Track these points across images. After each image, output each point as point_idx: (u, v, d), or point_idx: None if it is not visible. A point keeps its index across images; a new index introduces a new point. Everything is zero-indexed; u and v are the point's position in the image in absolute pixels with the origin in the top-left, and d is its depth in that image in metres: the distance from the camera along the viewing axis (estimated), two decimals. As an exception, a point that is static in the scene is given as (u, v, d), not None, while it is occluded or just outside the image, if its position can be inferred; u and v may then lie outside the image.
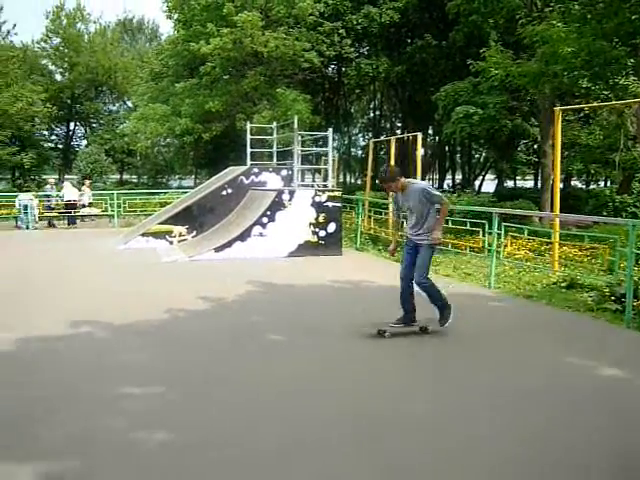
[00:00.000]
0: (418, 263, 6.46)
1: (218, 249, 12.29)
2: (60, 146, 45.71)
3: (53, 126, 43.82)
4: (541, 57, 16.84)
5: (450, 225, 12.09)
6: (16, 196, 21.10)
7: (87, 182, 24.26)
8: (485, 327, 7.12)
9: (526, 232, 10.77)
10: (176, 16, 30.61)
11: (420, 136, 14.67)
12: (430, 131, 36.97)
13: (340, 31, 28.26)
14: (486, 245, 10.80)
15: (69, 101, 43.23)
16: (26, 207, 20.06)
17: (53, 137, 45.81)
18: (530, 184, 42.52)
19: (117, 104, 47.48)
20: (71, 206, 21.14)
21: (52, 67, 43.83)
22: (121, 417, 4.40)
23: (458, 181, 42.21)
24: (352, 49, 29.66)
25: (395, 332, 6.49)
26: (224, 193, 14.67)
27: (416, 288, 6.51)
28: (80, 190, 22.61)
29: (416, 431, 4.21)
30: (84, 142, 45.48)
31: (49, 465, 3.68)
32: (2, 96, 26.82)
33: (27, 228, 19.90)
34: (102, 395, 4.84)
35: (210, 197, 14.74)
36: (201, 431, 4.19)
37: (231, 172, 15.59)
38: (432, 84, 28.33)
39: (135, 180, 46.10)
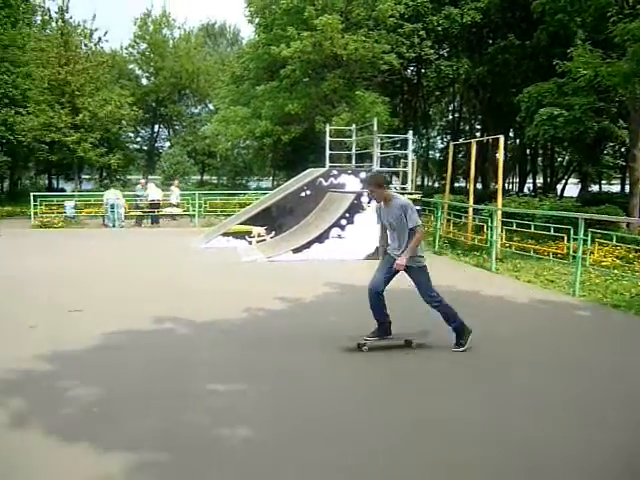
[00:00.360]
0: (418, 286, 6.11)
1: (296, 250, 12.42)
2: (145, 147, 47.36)
3: (139, 128, 45.43)
4: (632, 56, 16.15)
5: (532, 230, 11.77)
6: (103, 194, 21.99)
7: (176, 182, 25.03)
8: (573, 336, 6.90)
9: (614, 238, 10.35)
10: (257, 20, 31.19)
11: (502, 139, 14.33)
12: (511, 133, 36.10)
13: (420, 32, 28.02)
14: (571, 251, 10.43)
15: (154, 104, 44.69)
16: (113, 206, 20.89)
17: (138, 139, 47.56)
18: (616, 188, 40.84)
19: (199, 107, 48.77)
20: (155, 206, 21.83)
21: (139, 72, 45.54)
22: (204, 413, 4.52)
23: (539, 185, 41.02)
24: (432, 51, 29.34)
25: (373, 345, 6.13)
26: (303, 195, 14.80)
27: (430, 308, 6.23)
28: (168, 190, 23.33)
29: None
30: (167, 144, 46.96)
31: (134, 457, 3.79)
32: (93, 100, 27.96)
33: (113, 226, 20.71)
34: (186, 391, 4.98)
35: (289, 198, 14.90)
36: (281, 428, 4.25)
37: (310, 174, 15.71)
38: (514, 85, 27.67)
39: (215, 181, 47.21)
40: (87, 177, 43.50)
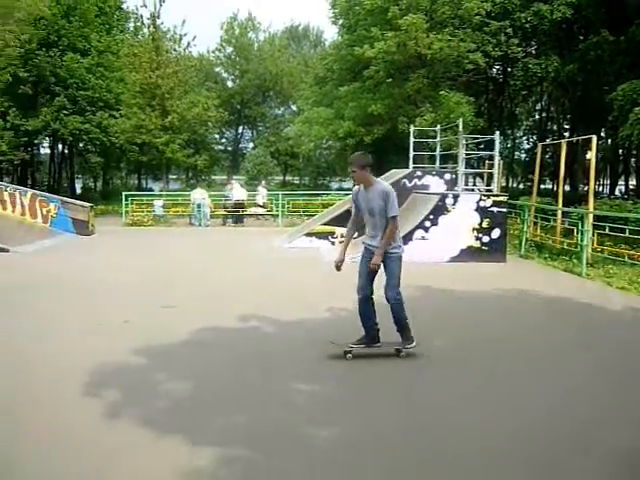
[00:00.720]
0: (389, 278, 5.74)
1: (380, 251, 12.37)
2: (229, 148, 48.49)
3: (224, 130, 46.59)
4: None
5: (626, 235, 11.30)
6: (190, 194, 22.65)
7: (263, 182, 25.50)
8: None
9: None
10: (341, 22, 31.34)
11: (595, 139, 13.80)
12: (602, 133, 34.70)
13: (507, 30, 27.40)
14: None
15: (238, 106, 45.71)
16: (199, 205, 21.49)
17: (223, 140, 48.81)
18: None
19: (282, 108, 49.51)
20: (239, 205, 22.27)
21: (224, 74, 46.69)
22: (290, 411, 4.57)
23: (632, 187, 39.24)
24: (519, 48, 28.61)
25: (358, 353, 5.84)
26: (386, 196, 14.73)
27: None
28: (254, 190, 23.78)
29: None
30: (251, 145, 47.90)
31: (222, 451, 3.87)
32: (181, 102, 28.83)
33: (199, 225, 21.29)
34: (271, 388, 5.06)
35: (372, 199, 14.86)
36: (368, 430, 4.24)
37: (393, 175, 15.64)
38: (607, 83, 26.55)
39: (297, 181, 47.78)
40: (174, 177, 44.95)
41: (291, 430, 4.21)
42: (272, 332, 6.86)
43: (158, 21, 29.58)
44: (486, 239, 12.58)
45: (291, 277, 10.71)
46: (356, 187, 5.88)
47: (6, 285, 9.60)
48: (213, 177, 44.89)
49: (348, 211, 14.64)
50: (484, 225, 12.56)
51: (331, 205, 18.64)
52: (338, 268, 5.87)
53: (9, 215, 17.53)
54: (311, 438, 4.10)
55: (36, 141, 37.00)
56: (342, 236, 14.48)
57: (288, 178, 48.98)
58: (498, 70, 33.86)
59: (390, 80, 27.88)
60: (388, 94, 27.01)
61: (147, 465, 3.70)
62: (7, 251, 13.81)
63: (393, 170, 16.73)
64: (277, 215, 21.79)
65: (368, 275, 5.76)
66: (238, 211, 22.17)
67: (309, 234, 14.90)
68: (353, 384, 5.25)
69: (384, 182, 5.90)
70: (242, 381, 5.23)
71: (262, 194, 23.56)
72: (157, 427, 4.19)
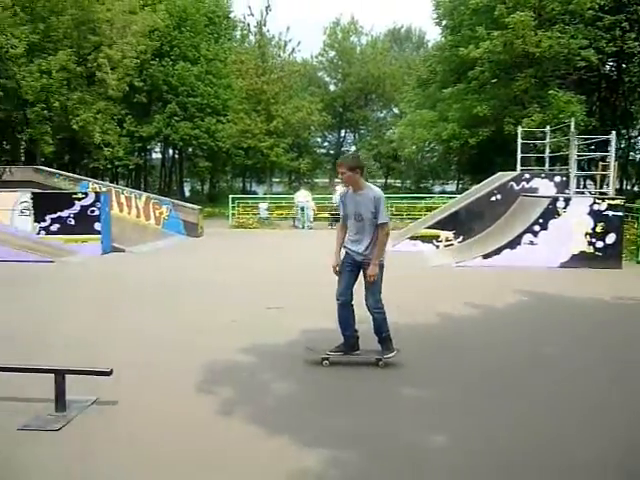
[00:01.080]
0: (371, 286, 5.49)
1: (486, 256, 12.13)
2: (331, 152, 48.95)
3: (326, 133, 47.09)
4: None
5: None
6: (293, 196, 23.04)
7: None
8: None
9: None
10: (444, 22, 30.97)
11: None
12: None
13: (623, 24, 26.08)
14: None
15: (341, 109, 46.07)
16: (302, 208, 21.84)
17: (325, 143, 49.33)
18: None
19: (384, 111, 49.45)
20: (343, 208, 22.34)
21: (327, 78, 47.21)
22: (401, 417, 4.53)
23: None
24: (636, 43, 27.13)
25: (335, 361, 5.61)
26: (493, 199, 14.43)
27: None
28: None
29: None
30: (353, 148, 48.13)
31: (330, 453, 3.87)
32: (286, 107, 29.47)
33: (302, 227, 21.63)
34: (382, 393, 5.03)
35: (478, 203, 14.61)
36: (481, 438, 4.13)
37: (500, 177, 15.29)
38: None
39: (398, 184, 47.58)
40: (277, 180, 45.91)
41: (401, 438, 4.16)
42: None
43: (264, 28, 30.39)
44: (600, 244, 12.02)
45: (395, 280, 10.64)
46: (344, 189, 5.72)
47: (120, 283, 10.17)
48: (315, 180, 45.50)
49: (453, 214, 14.61)
50: (598, 230, 12.00)
51: (434, 208, 18.45)
52: (336, 272, 5.67)
53: (125, 217, 18.49)
54: (423, 447, 4.06)
55: (149, 146, 38.99)
56: (447, 239, 14.36)
57: (390, 181, 48.86)
58: (612, 66, 32.25)
59: (495, 80, 27.31)
60: (494, 95, 26.45)
61: (256, 462, 3.78)
62: (123, 251, 14.64)
63: (500, 173, 16.35)
64: (379, 218, 21.75)
65: (348, 280, 5.59)
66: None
67: (413, 237, 14.81)
68: (460, 392, 5.16)
69: (375, 187, 5.67)
70: (352, 384, 5.22)
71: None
72: (267, 426, 4.27)
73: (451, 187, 44.48)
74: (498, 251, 12.13)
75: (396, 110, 45.60)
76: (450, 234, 14.44)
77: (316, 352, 5.75)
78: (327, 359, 5.62)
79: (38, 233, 14.33)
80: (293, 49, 31.62)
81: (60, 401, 4.42)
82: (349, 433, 4.20)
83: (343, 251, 5.69)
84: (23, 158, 28.14)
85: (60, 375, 4.45)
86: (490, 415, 4.54)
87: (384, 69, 44.12)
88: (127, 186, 31.07)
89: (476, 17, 26.22)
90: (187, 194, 42.01)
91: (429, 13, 31.81)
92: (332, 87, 47.48)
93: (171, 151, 41.48)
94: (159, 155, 43.18)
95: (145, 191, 24.45)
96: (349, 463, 3.76)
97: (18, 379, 4.80)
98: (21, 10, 23.46)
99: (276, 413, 4.55)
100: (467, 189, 27.51)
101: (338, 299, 5.57)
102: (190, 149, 38.07)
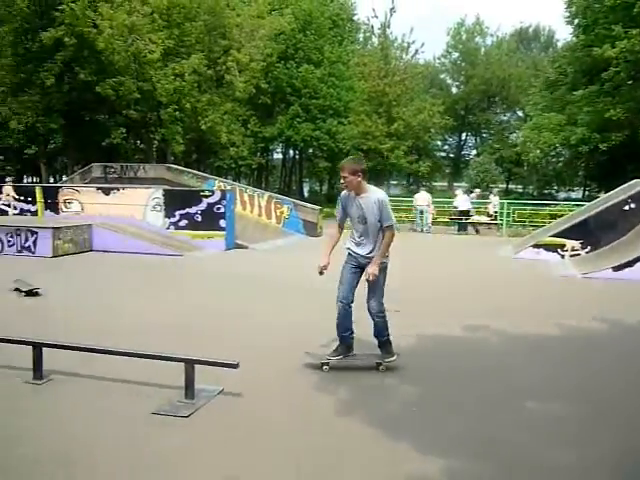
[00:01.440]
0: (373, 290, 5.36)
1: (617, 268, 11.44)
2: (451, 155, 48.19)
3: (446, 136, 46.40)
4: None
5: None
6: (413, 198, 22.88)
7: (494, 191, 24.92)
8: None
9: None
10: (576, 21, 29.62)
11: None
12: None
13: None
14: None
15: (462, 112, 45.27)
16: (422, 212, 21.63)
17: (445, 147, 48.62)
18: None
19: (508, 114, 48.02)
20: (464, 213, 21.84)
21: (449, 80, 46.55)
22: (523, 429, 4.36)
23: None
24: None
25: (335, 365, 5.46)
26: (627, 208, 13.59)
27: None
28: (487, 199, 23.47)
29: None
30: (473, 152, 47.15)
31: (450, 461, 3.82)
32: (407, 109, 29.36)
33: (421, 231, 21.41)
34: (501, 403, 4.87)
35: (610, 211, 13.81)
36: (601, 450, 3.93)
37: (635, 185, 14.39)
38: None
39: (520, 190, 46.05)
40: (394, 182, 45.75)
41: (525, 450, 4.02)
42: (499, 343, 6.68)
43: (388, 30, 30.40)
44: None
45: (518, 289, 10.35)
46: (345, 192, 5.49)
47: (246, 276, 10.53)
48: (434, 183, 44.94)
49: (581, 223, 13.93)
50: None
51: (560, 216, 17.69)
52: (321, 273, 5.48)
53: (248, 215, 19.07)
54: (552, 462, 3.90)
55: (271, 147, 40.04)
56: (573, 249, 13.72)
57: (511, 186, 47.38)
58: None
59: (631, 82, 25.76)
60: (629, 97, 25.00)
61: (376, 465, 3.78)
62: (246, 247, 15.17)
63: (635, 180, 15.38)
64: (501, 224, 21.15)
65: (351, 283, 5.48)
66: (461, 219, 21.82)
67: (537, 245, 14.25)
68: (574, 406, 4.91)
69: (378, 190, 5.50)
70: (467, 391, 5.12)
71: (494, 203, 22.81)
72: (387, 430, 4.26)
73: (577, 194, 42.40)
74: (630, 263, 11.40)
75: (520, 113, 44.24)
76: (577, 243, 13.76)
77: (313, 356, 5.71)
78: (327, 364, 5.54)
79: (168, 228, 15.10)
80: (416, 51, 31.39)
81: (189, 389, 4.63)
82: (475, 442, 4.13)
83: (345, 253, 5.61)
84: (155, 157, 29.74)
85: (190, 365, 4.66)
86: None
87: (509, 71, 42.91)
88: (249, 185, 32.05)
89: (612, 15, 24.86)
90: (306, 194, 42.76)
91: (560, 12, 30.40)
92: (454, 89, 46.81)
93: (292, 151, 42.40)
94: (280, 155, 44.32)
95: (266, 190, 25.11)
96: (472, 474, 3.69)
97: (152, 366, 5.03)
98: (159, 17, 24.75)
99: (399, 418, 4.52)
100: (595, 197, 26.18)
101: (341, 301, 5.47)
102: (310, 150, 38.76)
